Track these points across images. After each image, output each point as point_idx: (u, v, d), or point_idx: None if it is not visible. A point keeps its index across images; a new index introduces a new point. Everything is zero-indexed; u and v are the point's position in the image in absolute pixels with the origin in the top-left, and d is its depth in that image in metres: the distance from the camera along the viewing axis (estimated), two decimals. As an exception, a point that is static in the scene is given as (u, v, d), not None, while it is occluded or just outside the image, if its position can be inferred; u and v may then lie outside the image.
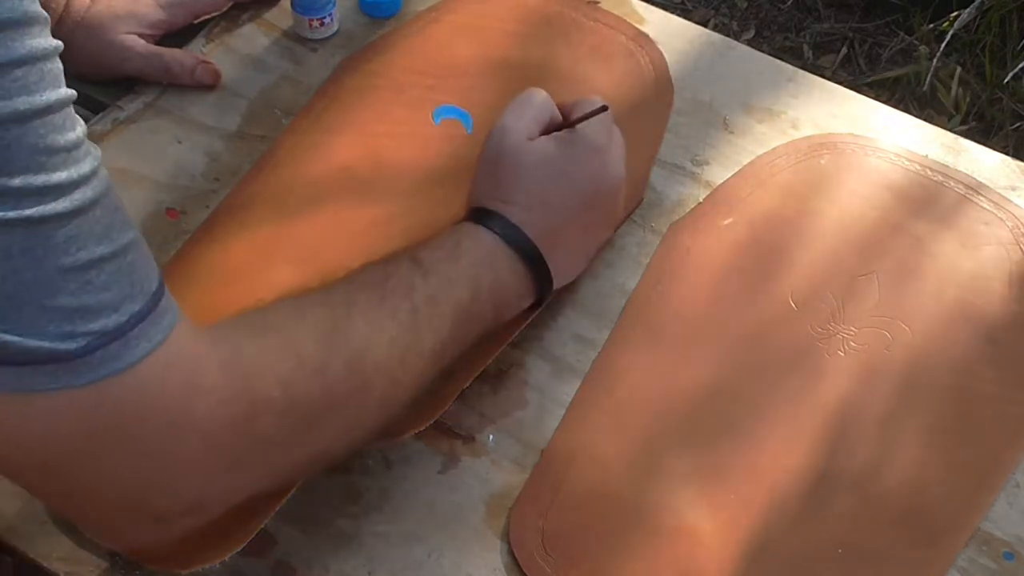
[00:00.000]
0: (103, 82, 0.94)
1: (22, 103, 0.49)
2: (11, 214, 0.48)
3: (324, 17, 0.98)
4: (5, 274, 0.49)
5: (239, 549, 0.65)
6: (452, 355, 0.70)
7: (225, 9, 1.01)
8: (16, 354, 0.50)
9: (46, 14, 0.51)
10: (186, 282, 0.79)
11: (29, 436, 0.52)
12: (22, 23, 0.49)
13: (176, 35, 0.98)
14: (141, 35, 0.94)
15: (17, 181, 0.49)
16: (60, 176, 0.50)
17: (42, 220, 0.49)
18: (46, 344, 0.50)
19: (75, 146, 0.51)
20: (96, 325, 0.51)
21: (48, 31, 0.51)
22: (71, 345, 0.50)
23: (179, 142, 0.92)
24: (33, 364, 0.50)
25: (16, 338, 0.49)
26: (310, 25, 0.98)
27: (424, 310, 0.67)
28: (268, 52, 0.99)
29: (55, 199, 0.50)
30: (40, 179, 0.49)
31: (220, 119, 0.94)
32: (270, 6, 1.02)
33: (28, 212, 0.49)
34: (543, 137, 0.79)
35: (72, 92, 0.52)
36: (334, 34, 1.00)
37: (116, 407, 0.53)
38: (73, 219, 0.51)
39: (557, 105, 0.81)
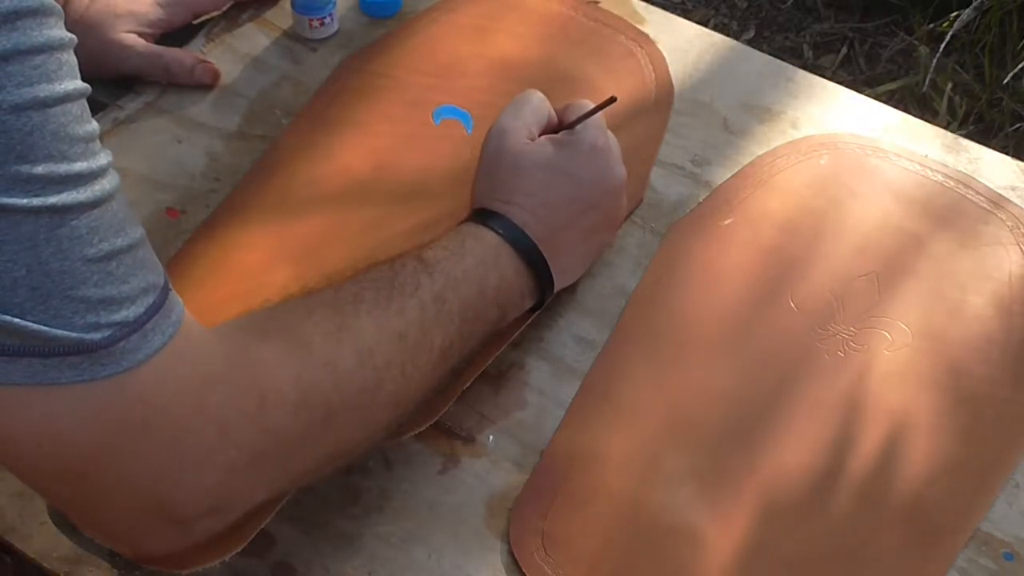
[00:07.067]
0: (102, 81, 0.94)
1: (42, 90, 0.50)
2: (36, 201, 0.49)
3: (324, 17, 0.98)
4: (31, 265, 0.50)
5: (239, 549, 0.65)
6: (460, 354, 0.70)
7: (225, 8, 1.01)
8: (43, 345, 0.50)
9: (60, 8, 0.51)
10: (186, 281, 0.79)
11: (51, 433, 0.53)
12: (40, 13, 0.50)
13: (176, 34, 0.98)
14: (140, 34, 0.94)
15: (40, 169, 0.49)
16: (80, 166, 0.51)
17: (66, 209, 0.50)
18: (73, 334, 0.51)
19: (92, 138, 0.53)
20: (118, 316, 0.52)
21: (63, 24, 0.52)
22: (96, 336, 0.51)
23: (179, 142, 0.92)
24: (59, 355, 0.51)
25: (44, 328, 0.50)
26: (310, 25, 0.98)
27: (431, 307, 0.68)
28: (268, 52, 0.99)
29: (76, 188, 0.51)
30: (62, 168, 0.50)
31: (220, 119, 0.94)
32: (270, 6, 1.02)
33: (52, 200, 0.50)
34: (542, 138, 0.79)
35: (87, 86, 0.53)
36: (334, 34, 1.00)
37: (135, 400, 0.53)
38: (94, 209, 0.51)
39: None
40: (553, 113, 0.81)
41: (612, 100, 0.78)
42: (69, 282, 0.50)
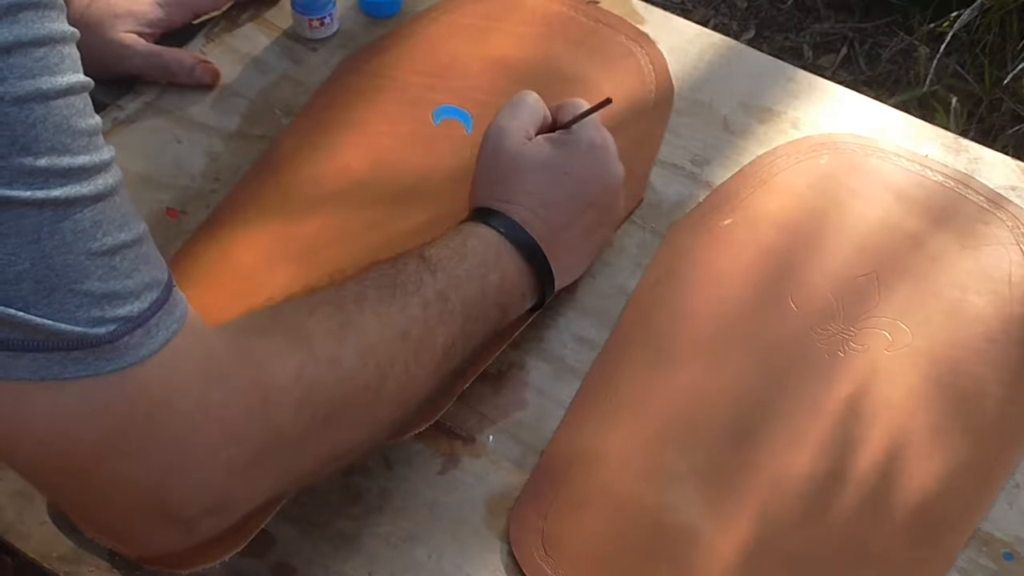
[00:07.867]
0: (102, 81, 0.93)
1: (45, 82, 0.50)
2: (39, 194, 0.49)
3: (324, 17, 0.98)
4: (35, 258, 0.49)
5: (239, 549, 0.65)
6: (462, 353, 0.70)
7: (225, 9, 1.01)
8: (47, 339, 0.50)
9: (62, 2, 0.51)
10: (187, 281, 0.78)
11: (54, 429, 0.52)
12: (41, 5, 0.50)
13: (176, 35, 0.98)
14: (140, 34, 0.94)
15: (43, 161, 0.49)
16: (83, 159, 0.51)
17: (69, 202, 0.50)
18: (77, 329, 0.50)
19: (95, 132, 0.53)
20: (122, 311, 0.52)
21: (65, 18, 0.52)
22: (100, 330, 0.51)
23: (179, 142, 0.92)
24: (63, 350, 0.51)
25: (48, 322, 0.50)
26: (310, 25, 0.98)
27: (434, 306, 0.68)
28: (268, 52, 0.99)
29: (79, 182, 0.51)
30: (65, 161, 0.50)
31: (220, 119, 0.94)
32: (270, 6, 1.02)
33: (56, 193, 0.50)
34: (540, 137, 0.79)
35: (90, 80, 0.53)
36: (334, 34, 1.00)
37: (138, 396, 0.53)
38: (97, 203, 0.51)
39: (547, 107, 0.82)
40: (548, 113, 0.82)
41: (607, 102, 0.78)
42: (73, 276, 0.50)
